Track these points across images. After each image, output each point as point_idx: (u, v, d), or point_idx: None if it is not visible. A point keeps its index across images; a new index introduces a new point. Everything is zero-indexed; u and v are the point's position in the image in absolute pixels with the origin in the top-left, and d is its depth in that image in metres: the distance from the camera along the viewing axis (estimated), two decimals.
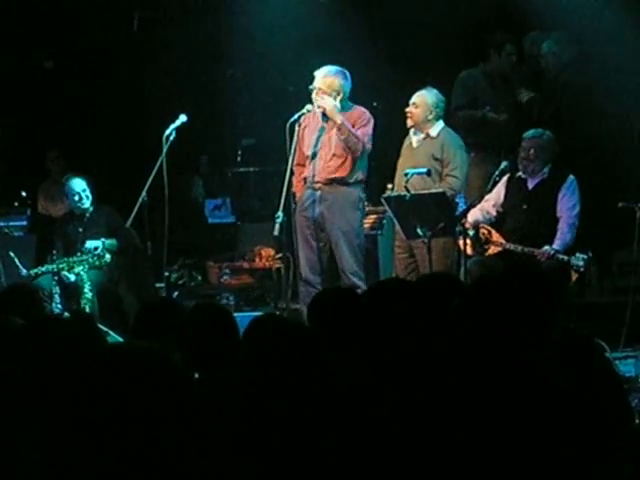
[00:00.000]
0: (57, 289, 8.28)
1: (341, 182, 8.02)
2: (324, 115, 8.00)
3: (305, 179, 8.12)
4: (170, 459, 2.25)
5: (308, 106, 8.02)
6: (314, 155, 8.07)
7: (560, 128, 8.72)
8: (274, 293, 9.60)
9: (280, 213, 7.75)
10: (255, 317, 3.81)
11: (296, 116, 8.00)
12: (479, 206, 8.25)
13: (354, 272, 7.94)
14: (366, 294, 4.43)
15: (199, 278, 10.43)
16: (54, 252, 8.69)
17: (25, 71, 11.21)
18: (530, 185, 8.21)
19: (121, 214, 8.78)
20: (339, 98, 7.99)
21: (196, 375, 4.06)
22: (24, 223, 10.61)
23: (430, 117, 8.31)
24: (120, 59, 11.07)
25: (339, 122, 7.90)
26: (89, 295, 8.14)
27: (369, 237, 9.01)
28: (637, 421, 4.24)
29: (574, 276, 7.79)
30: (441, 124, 8.38)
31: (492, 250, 8.09)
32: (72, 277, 8.31)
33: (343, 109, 8.00)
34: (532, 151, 8.11)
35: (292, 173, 8.02)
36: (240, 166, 11.59)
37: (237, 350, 3.99)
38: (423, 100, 8.33)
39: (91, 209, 8.92)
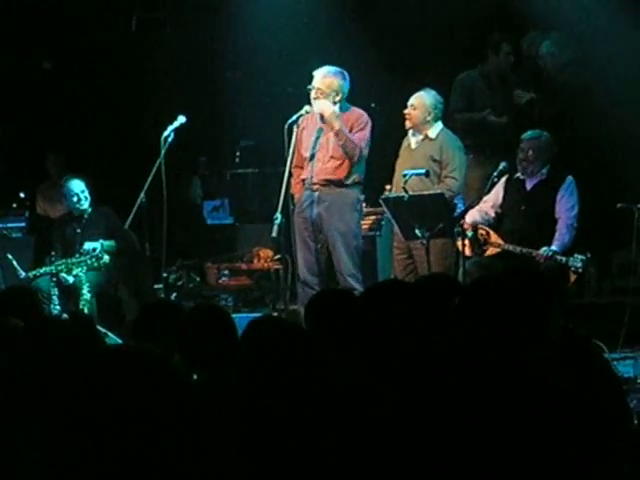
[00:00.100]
0: (56, 290, 8.26)
1: (339, 184, 8.00)
2: (322, 117, 8.00)
3: (303, 180, 8.10)
4: (169, 460, 2.26)
5: (306, 107, 7.99)
6: (312, 157, 8.05)
7: (559, 129, 8.72)
8: (272, 294, 9.61)
9: (278, 214, 7.74)
10: (253, 318, 3.82)
11: (294, 117, 7.98)
12: (477, 207, 8.24)
13: (351, 274, 7.92)
14: (364, 295, 4.43)
15: (197, 279, 10.41)
16: (52, 254, 8.67)
17: (24, 72, 11.20)
18: (528, 186, 8.21)
19: (120, 215, 8.77)
20: (338, 98, 7.97)
21: (195, 376, 4.06)
22: (22, 225, 10.59)
23: (429, 118, 8.30)
24: (119, 60, 11.06)
25: (337, 128, 7.88)
26: (88, 296, 8.12)
27: (368, 238, 9.01)
28: (636, 422, 4.25)
29: (572, 277, 7.79)
30: (440, 125, 8.36)
31: (491, 251, 8.09)
32: (71, 279, 8.30)
33: (341, 110, 7.99)
34: (530, 152, 8.11)
35: (290, 174, 8.01)
36: (239, 167, 11.57)
37: (236, 351, 3.98)
38: (421, 101, 8.30)
39: (89, 210, 8.92)
